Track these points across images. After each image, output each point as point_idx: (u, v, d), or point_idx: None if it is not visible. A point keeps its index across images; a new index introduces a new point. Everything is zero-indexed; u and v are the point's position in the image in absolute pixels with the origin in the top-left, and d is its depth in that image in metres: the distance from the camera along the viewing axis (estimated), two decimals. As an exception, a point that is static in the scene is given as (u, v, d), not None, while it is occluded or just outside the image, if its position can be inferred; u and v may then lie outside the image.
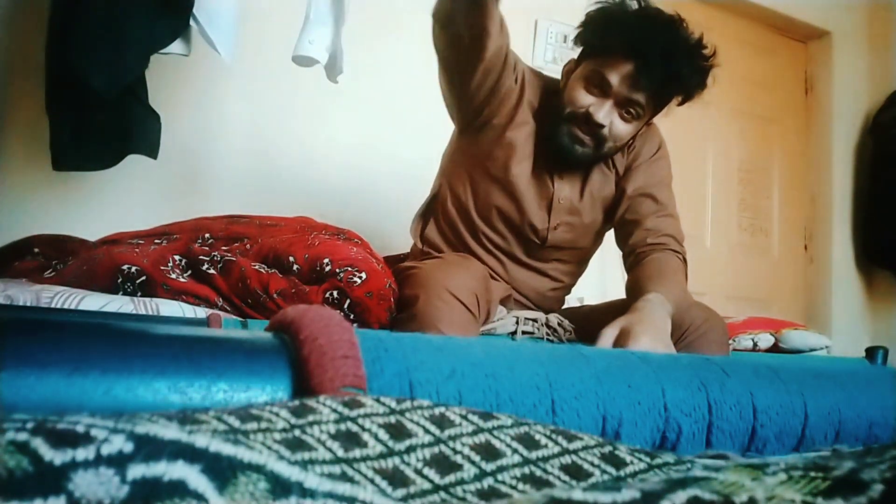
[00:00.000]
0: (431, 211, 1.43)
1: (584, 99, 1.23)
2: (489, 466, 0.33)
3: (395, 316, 1.14)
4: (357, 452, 0.31)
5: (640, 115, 1.25)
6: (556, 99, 1.30)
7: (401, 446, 0.32)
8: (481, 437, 0.35)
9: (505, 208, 1.33)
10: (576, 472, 0.35)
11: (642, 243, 1.29)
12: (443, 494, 0.31)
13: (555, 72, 1.43)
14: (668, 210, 1.34)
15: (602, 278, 2.17)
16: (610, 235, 1.45)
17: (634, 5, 1.23)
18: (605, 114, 1.22)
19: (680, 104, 1.29)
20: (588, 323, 1.29)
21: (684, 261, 1.30)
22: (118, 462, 0.23)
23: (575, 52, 1.32)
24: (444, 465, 0.32)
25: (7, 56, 1.61)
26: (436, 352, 0.47)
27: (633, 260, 1.29)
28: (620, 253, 1.37)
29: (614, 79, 1.20)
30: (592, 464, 0.36)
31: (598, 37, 1.24)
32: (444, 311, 1.07)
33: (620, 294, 1.31)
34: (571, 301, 1.59)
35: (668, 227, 1.31)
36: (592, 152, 1.27)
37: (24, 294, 1.00)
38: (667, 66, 1.19)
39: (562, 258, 1.40)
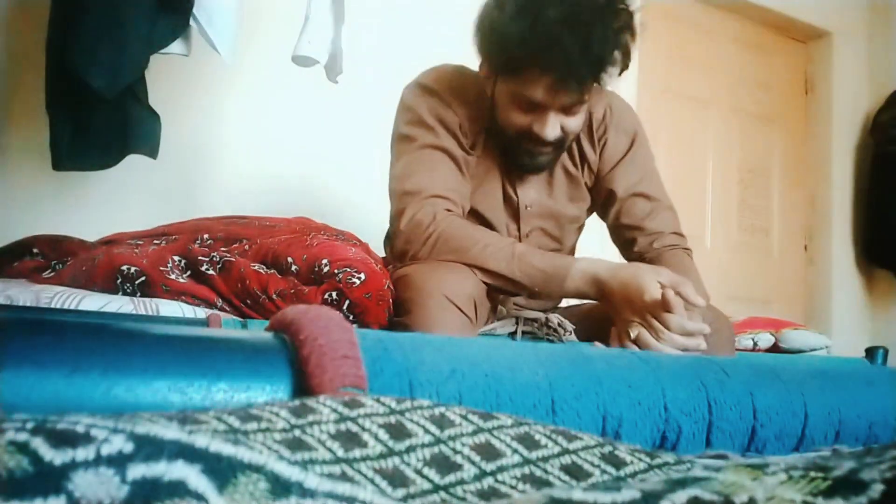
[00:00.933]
0: None
1: (521, 120, 1.14)
2: (489, 466, 0.33)
3: (392, 319, 1.13)
4: (357, 452, 0.31)
5: (585, 100, 1.13)
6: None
7: (401, 446, 0.32)
8: (481, 437, 0.35)
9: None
10: (576, 472, 0.35)
11: (648, 249, 1.27)
12: (443, 494, 0.31)
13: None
14: (662, 203, 1.30)
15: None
16: (602, 230, 1.43)
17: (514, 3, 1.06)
18: (550, 128, 1.13)
19: (621, 73, 1.15)
20: (588, 322, 1.28)
21: (691, 256, 1.29)
22: (118, 462, 0.23)
23: None
24: (444, 465, 0.32)
25: (7, 56, 1.61)
26: (436, 352, 0.47)
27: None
28: (621, 252, 1.36)
29: (540, 95, 1.09)
30: (592, 464, 0.36)
31: (499, 56, 1.10)
32: (440, 318, 1.04)
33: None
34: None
35: (668, 225, 1.29)
36: (554, 153, 1.21)
37: (24, 294, 1.00)
38: (588, 58, 1.04)
39: None
